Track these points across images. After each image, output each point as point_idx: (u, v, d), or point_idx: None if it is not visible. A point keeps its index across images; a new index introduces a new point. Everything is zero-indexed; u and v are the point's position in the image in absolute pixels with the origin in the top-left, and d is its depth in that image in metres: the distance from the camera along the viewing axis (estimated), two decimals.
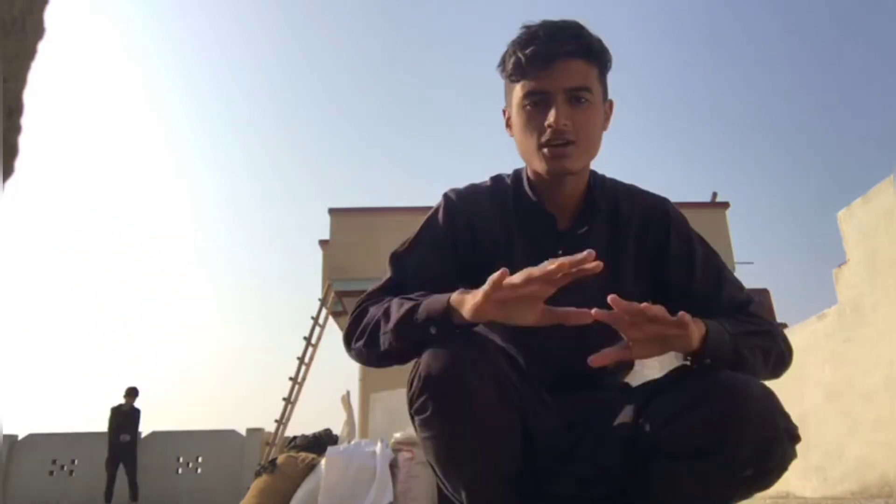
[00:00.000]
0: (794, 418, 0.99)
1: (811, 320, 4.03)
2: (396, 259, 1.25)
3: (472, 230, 1.25)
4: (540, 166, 1.16)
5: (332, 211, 10.17)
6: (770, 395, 0.97)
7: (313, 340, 10.10)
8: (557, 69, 1.13)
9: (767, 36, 26.66)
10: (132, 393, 10.24)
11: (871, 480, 3.04)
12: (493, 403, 0.99)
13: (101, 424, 10.05)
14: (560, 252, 1.17)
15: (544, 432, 1.08)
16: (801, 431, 1.00)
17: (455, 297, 1.02)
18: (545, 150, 1.14)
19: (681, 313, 0.97)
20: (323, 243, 10.77)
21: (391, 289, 1.19)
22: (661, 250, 1.23)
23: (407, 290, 1.13)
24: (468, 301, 1.00)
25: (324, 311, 10.21)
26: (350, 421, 6.25)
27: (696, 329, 1.01)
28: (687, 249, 1.24)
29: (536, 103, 1.15)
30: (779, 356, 1.16)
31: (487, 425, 0.99)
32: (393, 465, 4.83)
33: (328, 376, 22.43)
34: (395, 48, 30.92)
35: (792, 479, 2.88)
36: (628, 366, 1.31)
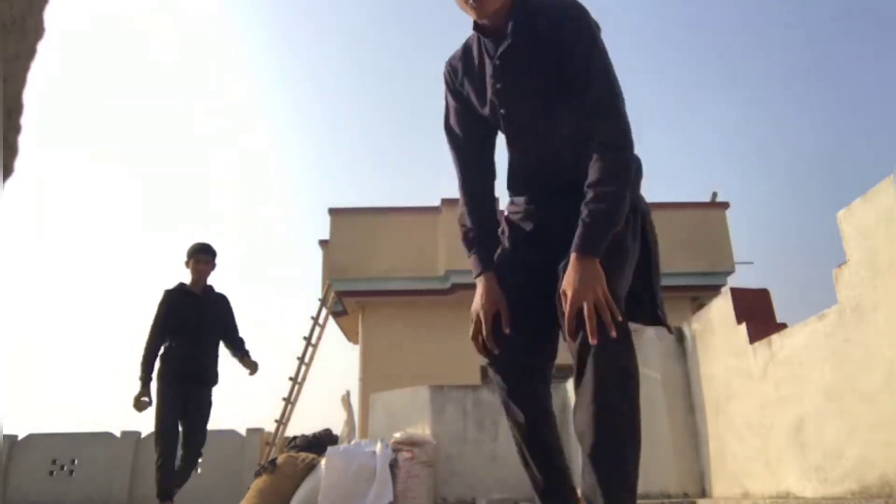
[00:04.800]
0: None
1: (811, 320, 4.03)
2: (447, 132, 1.72)
3: (458, 79, 1.68)
4: (471, 14, 1.54)
5: (332, 211, 10.18)
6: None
7: (313, 340, 10.11)
8: None
9: (768, 35, 26.70)
10: (203, 251, 4.65)
11: (871, 480, 3.05)
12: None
13: (101, 424, 9.86)
14: (493, 65, 1.57)
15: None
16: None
17: (478, 280, 1.60)
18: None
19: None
20: (323, 243, 10.78)
21: (457, 159, 1.71)
22: (566, 50, 1.48)
23: (463, 151, 1.69)
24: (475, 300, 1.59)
25: (324, 311, 10.22)
26: (350, 421, 6.27)
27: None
28: (585, 50, 1.48)
29: None
30: (628, 177, 1.46)
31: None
32: (393, 465, 4.84)
33: (328, 376, 22.45)
34: (396, 48, 30.94)
35: (791, 480, 2.91)
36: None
